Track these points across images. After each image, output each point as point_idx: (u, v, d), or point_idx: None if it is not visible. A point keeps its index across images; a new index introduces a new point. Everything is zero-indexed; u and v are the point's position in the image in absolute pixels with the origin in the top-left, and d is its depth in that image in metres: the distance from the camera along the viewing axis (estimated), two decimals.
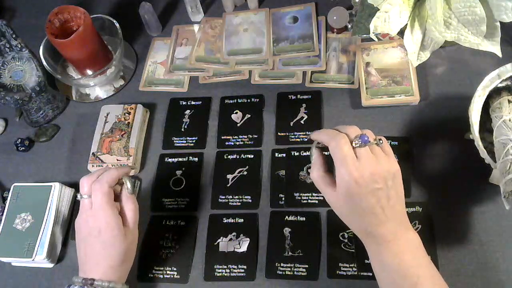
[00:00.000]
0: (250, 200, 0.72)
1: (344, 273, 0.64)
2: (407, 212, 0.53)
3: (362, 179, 0.48)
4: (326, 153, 0.55)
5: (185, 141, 0.80)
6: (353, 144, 0.50)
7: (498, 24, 0.65)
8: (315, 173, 0.54)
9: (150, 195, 0.76)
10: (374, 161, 0.49)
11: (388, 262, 0.50)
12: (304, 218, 0.69)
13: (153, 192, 0.76)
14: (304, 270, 0.65)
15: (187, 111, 0.82)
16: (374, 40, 0.78)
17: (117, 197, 0.61)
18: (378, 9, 0.66)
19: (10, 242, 0.70)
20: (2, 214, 0.72)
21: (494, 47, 0.67)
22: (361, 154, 0.49)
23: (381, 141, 0.51)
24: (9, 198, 0.73)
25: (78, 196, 0.60)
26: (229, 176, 0.74)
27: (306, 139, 0.76)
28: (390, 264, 0.50)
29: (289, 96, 0.80)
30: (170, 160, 0.78)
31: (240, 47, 0.87)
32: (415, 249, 0.51)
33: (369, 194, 0.49)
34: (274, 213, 0.70)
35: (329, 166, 0.55)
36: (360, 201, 0.49)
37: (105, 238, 0.58)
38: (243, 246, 0.68)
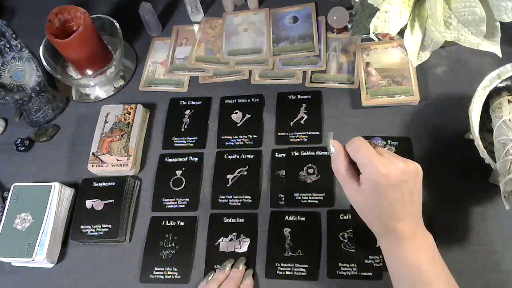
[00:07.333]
0: (250, 200, 0.72)
1: (344, 273, 0.64)
2: None
3: (389, 173, 0.48)
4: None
5: (185, 141, 0.80)
6: (372, 145, 0.51)
7: (498, 24, 0.65)
8: (340, 164, 0.52)
9: (150, 195, 0.76)
10: (397, 158, 0.50)
11: (405, 259, 0.50)
12: (304, 218, 0.69)
13: (153, 192, 0.76)
14: (304, 270, 0.65)
15: (187, 111, 0.82)
16: (374, 40, 0.78)
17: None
18: (378, 9, 0.66)
19: (10, 242, 0.70)
20: (2, 214, 0.72)
21: (494, 47, 0.67)
22: (382, 152, 0.50)
23: (392, 146, 0.53)
24: (9, 198, 0.73)
25: None
26: (229, 176, 0.74)
27: (306, 139, 0.76)
28: (407, 261, 0.50)
29: (289, 96, 0.80)
30: (170, 160, 0.78)
31: (240, 47, 0.87)
32: (431, 248, 0.52)
33: (395, 187, 0.49)
34: (274, 213, 0.70)
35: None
36: (385, 195, 0.49)
37: None
38: (244, 246, 0.68)
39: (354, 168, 0.52)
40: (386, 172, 0.48)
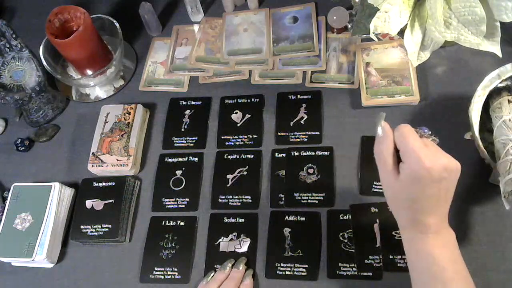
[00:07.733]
0: (250, 200, 0.72)
1: (344, 273, 0.64)
2: None
3: (431, 167, 0.47)
4: None
5: (185, 141, 0.80)
6: (418, 134, 0.50)
7: (498, 24, 0.65)
8: (386, 148, 0.50)
9: (150, 195, 0.76)
10: (441, 152, 0.49)
11: (428, 253, 0.50)
12: (304, 218, 0.69)
13: (153, 192, 0.76)
14: (304, 270, 0.65)
15: (187, 111, 0.82)
16: (374, 40, 0.78)
17: None
18: (378, 9, 0.66)
19: (10, 242, 0.70)
20: (2, 214, 0.72)
21: (494, 47, 0.67)
22: (427, 143, 0.49)
23: (436, 138, 0.52)
24: (9, 198, 0.73)
25: None
26: (229, 176, 0.74)
27: (306, 139, 0.76)
28: (430, 256, 0.50)
29: (289, 96, 0.80)
30: (170, 160, 0.78)
31: (240, 47, 0.87)
32: (453, 246, 0.52)
33: (434, 182, 0.48)
34: (274, 213, 0.70)
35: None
36: (422, 189, 0.49)
37: None
38: (244, 246, 0.68)
39: (396, 155, 0.51)
40: (429, 166, 0.47)
